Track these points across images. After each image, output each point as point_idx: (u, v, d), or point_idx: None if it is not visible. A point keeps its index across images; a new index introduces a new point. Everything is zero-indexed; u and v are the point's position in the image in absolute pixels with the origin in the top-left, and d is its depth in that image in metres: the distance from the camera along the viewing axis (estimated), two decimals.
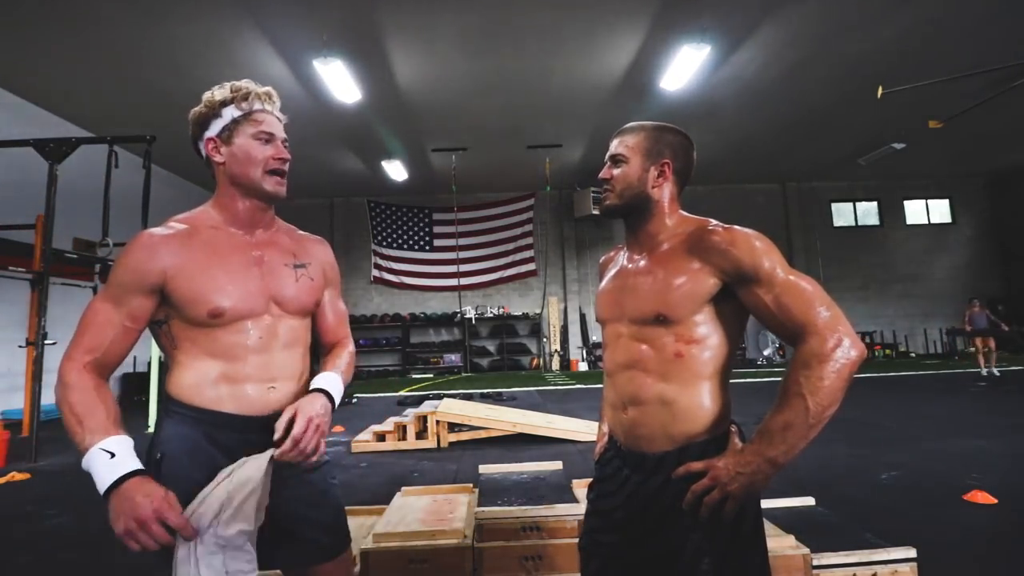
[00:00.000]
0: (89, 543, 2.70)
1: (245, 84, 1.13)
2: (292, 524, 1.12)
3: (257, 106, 1.12)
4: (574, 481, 2.51)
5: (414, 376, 13.77)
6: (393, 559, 1.86)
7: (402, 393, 9.16)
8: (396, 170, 12.39)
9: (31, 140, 5.42)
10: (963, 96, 8.86)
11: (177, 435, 1.05)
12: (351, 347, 1.31)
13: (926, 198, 15.99)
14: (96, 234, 5.59)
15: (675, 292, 1.02)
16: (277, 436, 1.02)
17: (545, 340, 14.86)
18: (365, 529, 2.18)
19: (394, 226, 15.11)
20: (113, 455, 0.92)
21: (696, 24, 7.11)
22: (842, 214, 15.97)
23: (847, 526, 2.05)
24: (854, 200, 15.95)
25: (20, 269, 5.84)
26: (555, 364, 14.38)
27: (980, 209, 15.87)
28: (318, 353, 1.30)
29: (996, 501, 2.87)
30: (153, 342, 5.69)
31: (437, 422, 4.90)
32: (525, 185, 14.45)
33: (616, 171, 1.14)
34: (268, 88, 1.16)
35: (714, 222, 1.08)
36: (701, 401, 1.03)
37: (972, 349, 10.39)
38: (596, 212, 12.96)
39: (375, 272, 14.96)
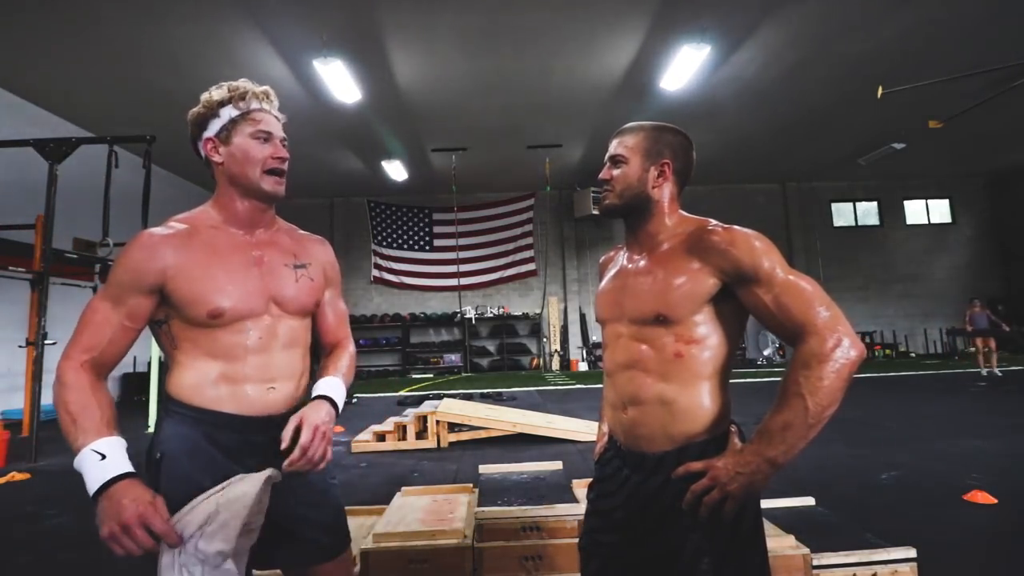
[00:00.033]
0: (89, 543, 2.70)
1: (243, 84, 1.12)
2: (292, 524, 1.12)
3: (255, 105, 1.12)
4: (574, 481, 2.52)
5: (414, 376, 13.77)
6: (393, 559, 1.86)
7: (402, 393, 9.17)
8: (396, 170, 12.39)
9: (31, 140, 5.42)
10: (963, 96, 8.86)
11: (177, 435, 1.05)
12: (351, 348, 1.31)
13: (926, 198, 15.99)
14: (96, 234, 5.59)
15: (675, 292, 1.02)
16: (284, 446, 1.02)
17: (545, 340, 14.86)
18: (365, 529, 2.18)
19: (394, 226, 15.11)
20: (104, 456, 0.92)
21: (696, 24, 7.11)
22: (842, 214, 15.98)
23: (847, 526, 2.05)
24: (854, 200, 15.95)
25: (20, 269, 5.83)
26: (555, 364, 14.39)
27: (980, 209, 15.87)
28: (318, 353, 1.30)
29: (996, 501, 2.87)
30: (153, 342, 5.70)
31: (437, 422, 4.90)
32: (525, 185, 14.45)
33: (616, 171, 1.14)
34: (266, 87, 1.15)
35: (714, 222, 1.08)
36: (701, 401, 1.03)
37: (972, 349, 10.39)
38: (596, 212, 12.96)
39: (375, 272, 14.96)
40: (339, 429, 5.83)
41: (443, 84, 8.77)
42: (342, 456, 4.60)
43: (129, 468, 0.93)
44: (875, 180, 15.45)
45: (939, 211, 16.09)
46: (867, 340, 14.49)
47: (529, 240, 15.14)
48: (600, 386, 1.35)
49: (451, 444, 4.90)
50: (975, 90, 8.76)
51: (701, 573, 0.97)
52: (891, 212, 15.90)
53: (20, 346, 5.30)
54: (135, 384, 10.24)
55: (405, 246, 15.11)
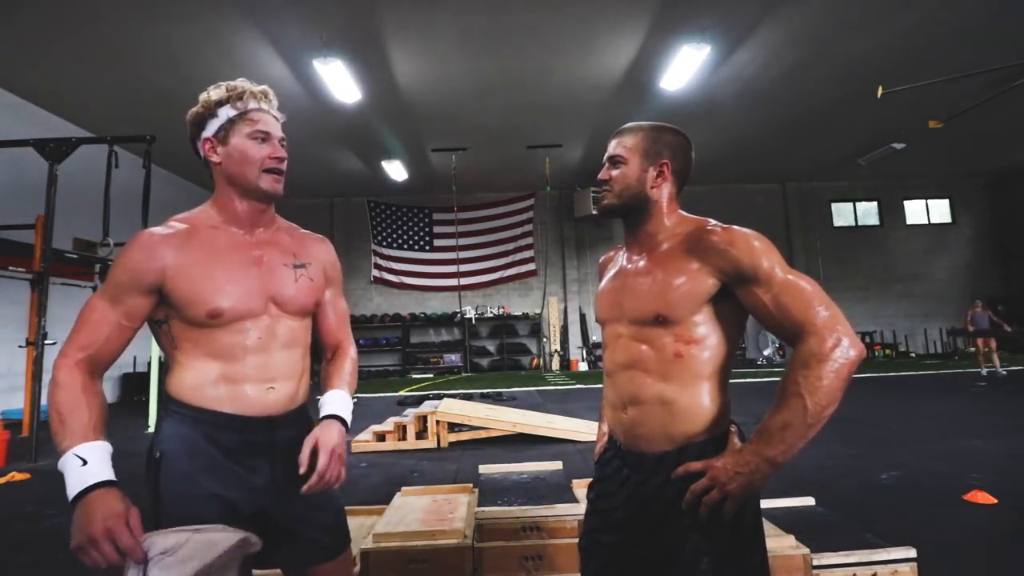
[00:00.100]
0: None
1: (241, 83, 1.12)
2: (292, 524, 1.12)
3: (253, 105, 1.11)
4: (574, 481, 2.52)
5: (414, 376, 13.77)
6: (393, 559, 1.86)
7: (402, 393, 9.17)
8: (396, 170, 12.39)
9: (31, 140, 5.42)
10: (963, 96, 8.86)
11: (176, 435, 1.05)
12: (353, 352, 1.30)
13: (926, 198, 16.00)
14: (96, 234, 5.59)
15: (674, 292, 1.02)
16: (303, 470, 1.05)
17: (545, 340, 14.86)
18: (365, 529, 2.18)
19: (394, 226, 15.11)
20: (85, 462, 0.91)
21: (696, 24, 7.11)
22: (842, 214, 15.98)
23: (847, 526, 2.05)
24: (854, 200, 15.95)
25: (20, 269, 5.83)
26: (555, 364, 14.39)
27: (980, 209, 15.87)
28: (318, 352, 1.30)
29: (996, 501, 2.87)
30: (153, 342, 5.69)
31: (437, 422, 4.90)
32: (525, 185, 14.45)
33: (615, 172, 1.14)
34: (264, 87, 1.15)
35: (713, 222, 1.08)
36: (700, 401, 1.03)
37: (972, 349, 10.38)
38: (596, 212, 12.96)
39: (375, 272, 14.96)
40: None
41: (443, 84, 8.77)
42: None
43: (108, 476, 0.92)
44: (875, 180, 15.45)
45: (939, 211, 16.09)
46: (867, 340, 14.49)
47: (529, 240, 15.14)
48: (600, 386, 1.35)
49: (451, 444, 4.90)
50: (975, 90, 8.75)
51: (701, 573, 0.97)
52: (891, 212, 15.90)
53: (20, 346, 5.30)
54: (135, 384, 10.24)
55: (405, 246, 15.11)
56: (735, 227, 1.02)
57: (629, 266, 1.15)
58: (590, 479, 1.29)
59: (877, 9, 7.06)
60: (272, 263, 1.14)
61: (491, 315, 14.72)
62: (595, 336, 14.60)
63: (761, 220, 14.41)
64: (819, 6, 6.99)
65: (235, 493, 1.04)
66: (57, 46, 7.08)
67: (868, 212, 16.03)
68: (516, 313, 14.92)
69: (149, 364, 7.24)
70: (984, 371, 9.34)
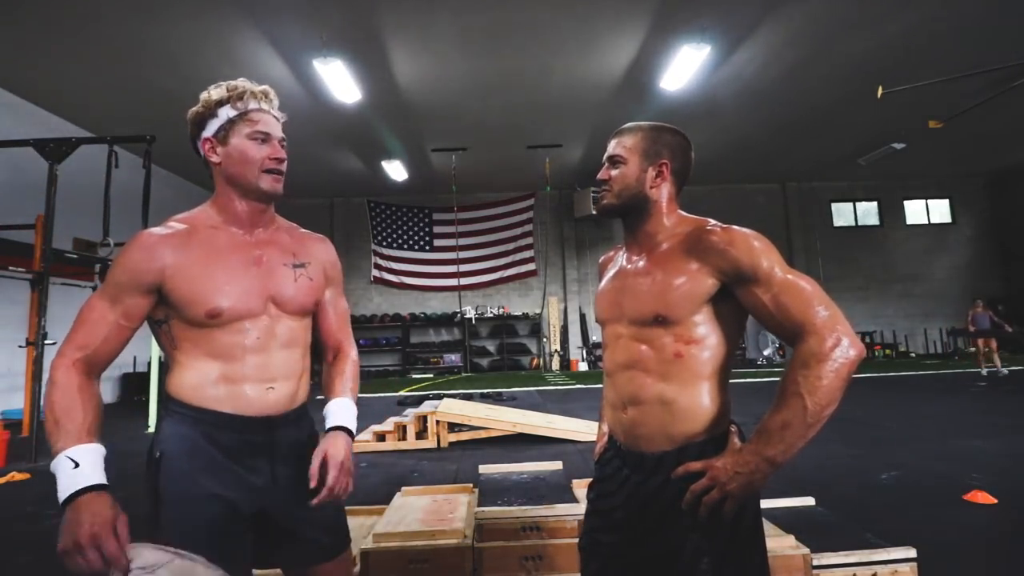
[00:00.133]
0: None
1: (241, 83, 1.12)
2: (292, 524, 1.12)
3: (253, 105, 1.11)
4: (574, 481, 2.51)
5: (414, 376, 13.77)
6: (393, 559, 1.86)
7: (402, 393, 9.17)
8: (396, 170, 12.39)
9: (31, 140, 5.42)
10: (963, 96, 8.86)
11: (176, 435, 1.05)
12: (354, 354, 1.30)
13: (926, 198, 16.00)
14: (96, 234, 5.59)
15: (674, 293, 1.02)
16: (313, 484, 1.06)
17: (545, 340, 14.87)
18: (365, 529, 2.18)
19: (394, 226, 15.11)
20: (77, 465, 0.90)
21: (696, 24, 7.11)
22: (842, 214, 15.98)
23: (847, 526, 2.05)
24: (854, 200, 15.95)
25: (20, 269, 5.84)
26: (555, 364, 14.39)
27: (980, 209, 15.87)
28: (319, 352, 1.30)
29: (996, 501, 2.87)
30: (153, 342, 5.69)
31: (437, 422, 4.90)
32: (525, 185, 14.45)
33: (614, 172, 1.14)
34: (265, 87, 1.14)
35: (712, 222, 1.08)
36: (700, 401, 1.03)
37: (972, 349, 10.37)
38: (596, 212, 12.97)
39: (375, 272, 14.97)
40: None
41: (443, 84, 8.78)
42: None
43: (99, 480, 0.91)
44: (875, 180, 15.45)
45: (939, 211, 16.09)
46: (867, 340, 14.49)
47: (529, 240, 15.14)
48: (600, 386, 1.35)
49: (451, 444, 4.90)
50: (975, 90, 8.76)
51: (701, 573, 0.97)
52: (891, 212, 15.90)
53: (20, 346, 5.30)
54: (135, 384, 10.24)
55: (405, 246, 15.11)
56: (734, 227, 1.02)
57: (629, 266, 1.15)
58: (590, 479, 1.29)
59: (877, 9, 7.06)
60: (271, 263, 1.14)
61: (491, 315, 14.72)
62: (595, 336, 14.60)
63: (761, 220, 14.41)
64: (819, 6, 6.99)
65: (235, 493, 1.04)
66: (57, 46, 7.08)
67: (868, 212, 16.04)
68: (516, 313, 14.92)
69: (149, 364, 7.25)
70: (984, 371, 9.34)
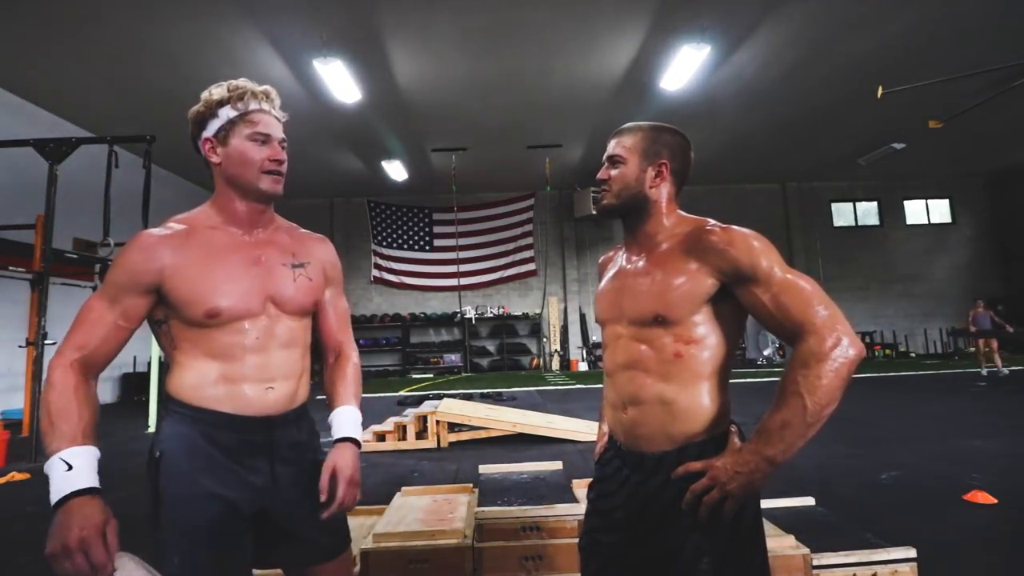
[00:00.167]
0: None
1: (242, 83, 1.11)
2: (292, 524, 1.12)
3: (253, 106, 1.10)
4: (574, 481, 2.51)
5: (414, 376, 13.77)
6: (393, 559, 1.86)
7: (402, 393, 9.17)
8: (396, 170, 12.39)
9: (31, 140, 5.42)
10: (963, 96, 8.86)
11: (176, 434, 1.05)
12: (355, 358, 1.30)
13: (926, 198, 16.00)
14: (96, 234, 5.59)
15: (673, 293, 1.02)
16: (323, 499, 1.09)
17: (545, 340, 14.87)
18: (365, 529, 2.18)
19: (394, 226, 15.11)
20: (70, 467, 0.89)
21: (696, 24, 7.12)
22: (842, 214, 15.98)
23: (847, 526, 2.05)
24: (854, 200, 15.95)
25: (20, 269, 5.84)
26: (555, 364, 14.39)
27: (980, 209, 15.87)
28: (319, 352, 1.30)
29: (996, 501, 2.87)
30: (153, 342, 5.68)
31: (437, 422, 4.90)
32: (525, 185, 14.46)
33: (613, 172, 1.14)
34: (266, 87, 1.14)
35: (712, 222, 1.08)
36: (700, 401, 1.03)
37: (971, 349, 10.36)
38: (595, 212, 12.97)
39: (375, 272, 14.97)
40: None
41: (443, 84, 8.78)
42: None
43: (91, 483, 0.90)
44: (875, 180, 15.45)
45: (939, 211, 16.09)
46: (867, 340, 14.49)
47: (529, 240, 15.14)
48: (600, 386, 1.35)
49: (451, 444, 4.90)
50: (975, 90, 8.76)
51: (701, 573, 0.97)
52: (891, 212, 15.90)
53: (20, 346, 5.30)
54: (135, 384, 10.24)
55: (405, 246, 15.12)
56: (734, 227, 1.02)
57: (628, 266, 1.15)
58: (590, 479, 1.29)
59: (877, 9, 7.07)
60: (270, 263, 1.14)
61: (491, 315, 14.72)
62: (595, 336, 14.60)
63: (761, 220, 14.41)
64: (819, 6, 6.99)
65: (235, 493, 1.04)
66: (57, 46, 7.08)
67: (868, 212, 16.04)
68: (516, 313, 14.92)
69: (149, 364, 7.25)
70: (984, 371, 9.33)
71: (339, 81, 7.78)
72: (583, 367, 14.33)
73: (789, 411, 0.90)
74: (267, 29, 7.03)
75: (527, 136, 11.17)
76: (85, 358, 1.01)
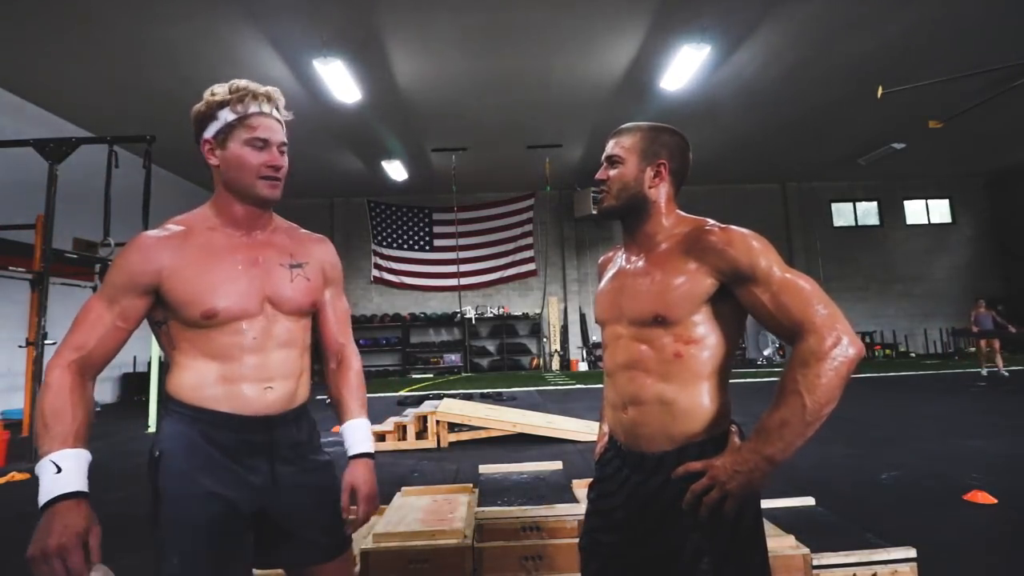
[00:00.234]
0: None
1: (243, 85, 1.10)
2: (291, 524, 1.12)
3: (253, 109, 1.09)
4: (574, 481, 2.51)
5: (414, 376, 13.77)
6: (393, 559, 1.86)
7: (402, 393, 9.17)
8: (396, 170, 12.40)
9: (31, 140, 5.43)
10: (963, 96, 8.86)
11: (175, 433, 1.05)
12: (357, 364, 1.30)
13: (926, 198, 16.00)
14: (96, 234, 5.59)
15: (673, 293, 1.02)
16: (346, 517, 1.17)
17: (545, 340, 14.87)
18: (365, 529, 2.18)
19: (394, 226, 15.11)
20: (60, 470, 0.89)
21: (696, 24, 7.11)
22: (842, 214, 15.98)
23: (847, 526, 2.05)
24: (854, 200, 15.95)
25: (20, 269, 5.84)
26: (555, 364, 14.39)
27: (980, 209, 15.87)
28: (319, 352, 1.30)
29: (996, 501, 2.87)
30: (153, 342, 5.69)
31: (437, 422, 4.90)
32: (525, 185, 14.46)
33: (612, 172, 1.14)
34: (268, 89, 1.12)
35: (711, 222, 1.08)
36: (701, 401, 1.03)
37: (972, 349, 10.34)
38: (595, 213, 12.97)
39: (375, 272, 14.97)
40: (338, 429, 5.82)
41: (443, 84, 8.78)
42: (342, 456, 4.59)
43: (79, 487, 0.90)
44: (875, 180, 15.45)
45: (939, 211, 16.09)
46: (867, 340, 14.49)
47: (529, 240, 15.14)
48: (600, 386, 1.35)
49: (451, 444, 4.90)
50: (975, 90, 8.76)
51: (701, 573, 0.97)
52: (891, 212, 15.90)
53: (20, 346, 5.31)
54: (135, 384, 10.24)
55: (405, 246, 15.12)
56: (733, 227, 1.03)
57: (628, 267, 1.15)
58: (590, 479, 1.29)
59: (877, 9, 7.06)
60: (268, 263, 1.13)
61: (491, 315, 14.72)
62: (595, 336, 14.60)
63: (761, 220, 14.41)
64: (819, 6, 6.99)
65: (234, 492, 1.04)
66: (57, 46, 7.08)
67: (868, 212, 16.04)
68: (516, 313, 14.92)
69: (149, 364, 7.25)
70: (984, 371, 9.33)
71: (339, 81, 7.78)
72: (583, 367, 14.33)
73: (788, 410, 0.91)
74: (267, 29, 7.03)
75: (527, 136, 11.17)
76: (83, 358, 1.01)
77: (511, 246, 15.14)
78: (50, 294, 5.13)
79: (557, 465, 2.86)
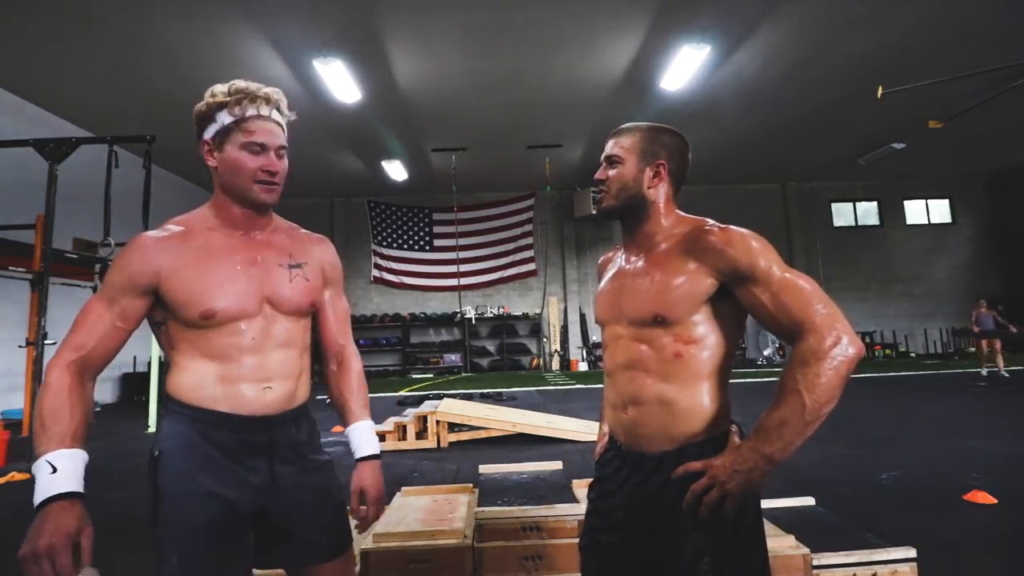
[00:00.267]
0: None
1: (243, 87, 1.09)
2: (291, 524, 1.12)
3: (251, 112, 1.08)
4: (574, 481, 2.52)
5: (414, 376, 13.77)
6: (393, 559, 1.86)
7: (402, 393, 9.16)
8: (396, 170, 12.40)
9: (31, 140, 5.42)
10: (963, 96, 8.86)
11: (174, 433, 1.06)
12: (358, 365, 1.30)
13: (926, 198, 16.00)
14: (96, 234, 5.59)
15: (673, 293, 1.02)
16: (357, 521, 1.21)
17: (545, 340, 14.87)
18: (357, 532, 2.18)
19: (394, 226, 15.11)
20: (55, 470, 0.89)
21: (696, 24, 7.11)
22: (842, 214, 15.98)
23: (847, 526, 2.05)
24: (854, 200, 15.95)
25: (20, 269, 5.83)
26: (555, 364, 14.39)
27: (980, 209, 15.87)
28: (319, 352, 1.30)
29: (996, 501, 2.87)
30: (153, 342, 5.68)
31: (437, 422, 4.90)
32: (525, 185, 14.46)
33: (612, 172, 1.15)
34: (268, 91, 1.11)
35: (711, 222, 1.08)
36: (700, 401, 1.03)
37: (972, 349, 10.33)
38: (595, 213, 12.96)
39: (375, 272, 14.97)
40: (338, 429, 5.83)
41: (443, 84, 8.78)
42: (342, 456, 4.59)
43: (74, 488, 0.90)
44: (875, 180, 15.45)
45: (939, 211, 16.09)
46: (867, 340, 14.49)
47: (529, 240, 15.14)
48: (600, 386, 1.35)
49: (451, 444, 4.90)
50: (975, 90, 8.76)
51: (701, 573, 0.97)
52: (891, 212, 15.90)
53: (20, 346, 5.30)
54: (135, 384, 10.24)
55: (405, 246, 15.12)
56: (732, 227, 1.03)
57: (627, 267, 1.15)
58: (590, 479, 1.29)
59: (877, 9, 7.06)
60: (267, 264, 1.13)
61: (491, 315, 14.72)
62: (595, 336, 14.60)
63: (761, 220, 14.41)
64: (819, 6, 6.99)
65: (234, 492, 1.04)
66: (57, 46, 7.08)
67: (868, 212, 16.04)
68: (516, 313, 14.92)
69: (149, 364, 7.24)
70: (984, 371, 9.32)
71: (339, 81, 7.78)
72: (583, 367, 14.33)
73: (788, 409, 0.91)
74: (267, 29, 7.03)
75: (527, 136, 11.17)
76: (83, 358, 1.01)
77: (511, 246, 15.14)
78: (50, 294, 5.13)
79: (557, 465, 2.86)
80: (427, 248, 15.15)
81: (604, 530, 1.13)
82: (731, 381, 1.07)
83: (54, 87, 8.09)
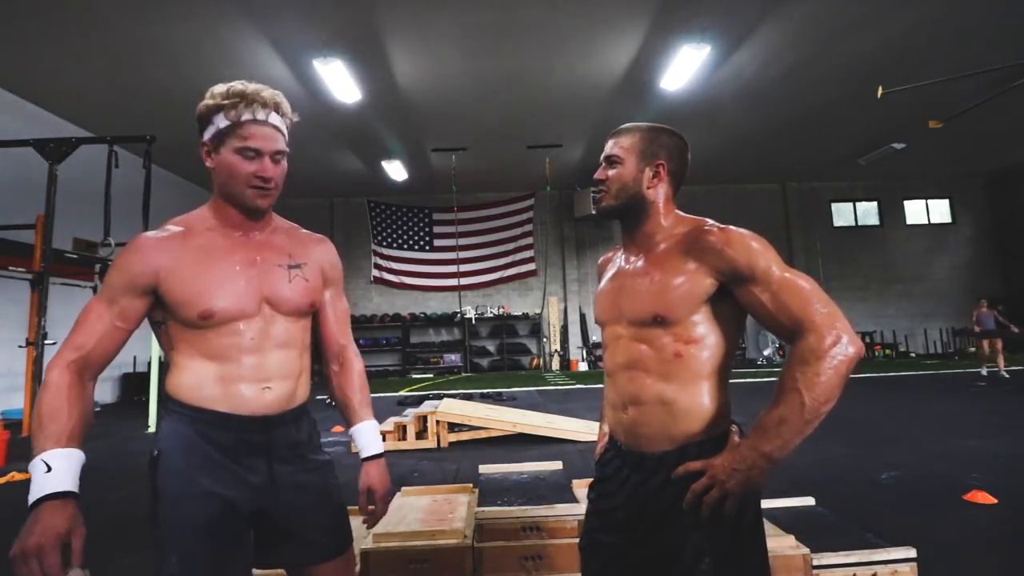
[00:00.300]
0: (88, 542, 2.69)
1: (240, 90, 1.07)
2: (290, 524, 1.12)
3: (246, 116, 1.06)
4: (574, 481, 2.51)
5: (414, 376, 13.77)
6: (393, 559, 1.86)
7: (402, 393, 9.16)
8: (396, 170, 12.40)
9: (31, 140, 5.44)
10: (963, 96, 8.86)
11: (174, 433, 1.06)
12: (359, 365, 1.31)
13: (926, 198, 16.00)
14: (96, 234, 5.60)
15: (672, 293, 1.03)
16: (364, 519, 1.21)
17: (545, 340, 14.87)
18: (365, 529, 2.18)
19: (394, 226, 15.12)
20: (50, 469, 0.89)
21: (696, 24, 7.12)
22: (842, 214, 15.98)
23: (847, 526, 2.05)
24: (854, 200, 15.95)
25: (20, 269, 5.84)
26: (555, 364, 14.39)
27: (980, 209, 15.87)
28: (319, 352, 1.30)
29: (996, 501, 2.87)
30: (153, 342, 5.68)
31: (437, 422, 4.90)
32: (525, 185, 14.46)
33: (611, 172, 1.15)
34: (266, 95, 1.09)
35: (710, 222, 1.08)
36: (700, 401, 1.03)
37: (972, 349, 10.33)
38: (595, 213, 12.95)
39: (375, 272, 14.97)
40: (338, 429, 5.82)
41: (443, 84, 8.78)
42: (342, 456, 4.60)
43: (68, 487, 0.90)
44: (875, 180, 15.45)
45: (939, 211, 16.09)
46: (867, 340, 14.49)
47: (529, 240, 15.15)
48: (600, 386, 1.35)
49: (451, 444, 4.90)
50: (975, 90, 8.76)
51: (701, 573, 0.97)
52: (891, 212, 15.90)
53: (20, 346, 5.31)
54: (135, 384, 10.24)
55: (405, 246, 15.12)
56: (732, 227, 1.03)
57: (627, 267, 1.15)
58: (590, 479, 1.29)
59: (877, 9, 7.06)
60: (266, 264, 1.13)
61: (491, 315, 14.72)
62: (595, 336, 14.60)
63: (761, 220, 14.42)
64: (819, 5, 6.99)
65: (233, 492, 1.04)
66: (57, 46, 7.08)
67: (868, 212, 16.04)
68: (516, 313, 14.92)
69: (149, 364, 7.25)
70: (984, 371, 9.32)
71: (339, 81, 7.78)
72: (583, 367, 14.33)
73: (787, 407, 0.91)
74: (267, 29, 7.03)
75: (527, 136, 11.17)
76: (83, 358, 1.01)
77: (511, 246, 15.14)
78: (50, 294, 5.14)
79: (557, 465, 2.86)
80: (427, 248, 15.15)
81: (604, 530, 1.13)
82: (731, 381, 1.07)
83: (54, 87, 8.09)
